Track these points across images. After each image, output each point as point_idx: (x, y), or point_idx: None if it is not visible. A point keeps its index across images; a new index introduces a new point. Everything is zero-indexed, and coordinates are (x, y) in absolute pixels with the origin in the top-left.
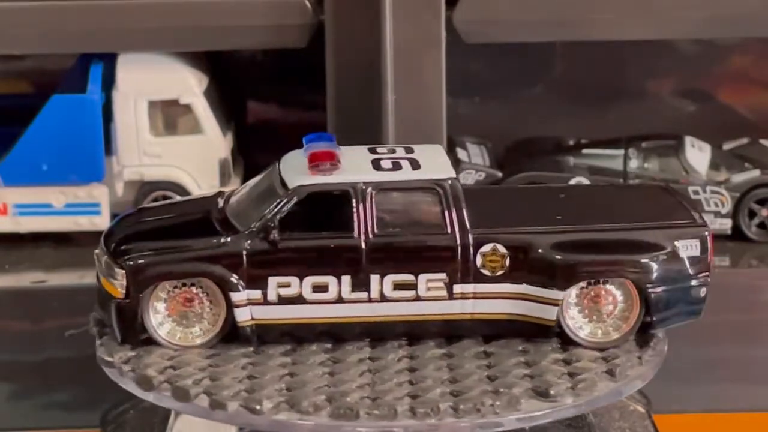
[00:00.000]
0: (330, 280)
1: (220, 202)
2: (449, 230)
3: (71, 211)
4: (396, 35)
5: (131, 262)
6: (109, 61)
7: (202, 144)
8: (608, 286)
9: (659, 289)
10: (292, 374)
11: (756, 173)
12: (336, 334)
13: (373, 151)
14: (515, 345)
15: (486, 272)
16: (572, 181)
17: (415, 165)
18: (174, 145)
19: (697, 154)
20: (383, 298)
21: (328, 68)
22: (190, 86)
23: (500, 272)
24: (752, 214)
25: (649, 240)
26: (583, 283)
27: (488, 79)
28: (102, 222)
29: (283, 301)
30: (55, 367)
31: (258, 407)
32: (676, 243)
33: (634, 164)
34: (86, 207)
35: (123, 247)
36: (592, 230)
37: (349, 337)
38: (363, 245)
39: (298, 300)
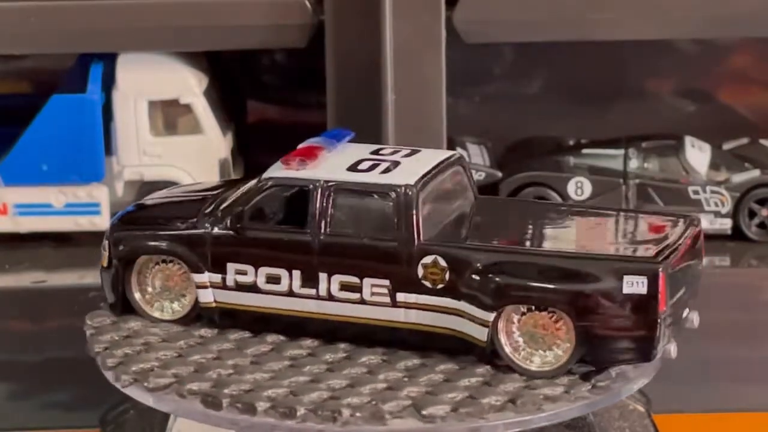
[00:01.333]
0: (282, 272)
1: (223, 189)
2: (396, 237)
3: (71, 211)
4: (396, 35)
5: (114, 235)
6: (109, 61)
7: (202, 144)
8: (545, 314)
9: (594, 325)
10: (218, 359)
11: (756, 173)
12: (291, 327)
13: (375, 152)
14: (449, 361)
15: (427, 284)
16: (571, 184)
17: (390, 169)
18: (174, 145)
19: (697, 154)
20: (330, 297)
21: (328, 68)
22: (190, 86)
23: (440, 285)
24: (752, 214)
25: (589, 271)
26: (523, 308)
27: (488, 79)
28: (102, 222)
29: (240, 287)
30: (55, 367)
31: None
32: (623, 277)
33: (634, 164)
34: (86, 207)
35: (117, 223)
36: (532, 254)
37: (303, 333)
38: (314, 242)
39: (254, 288)
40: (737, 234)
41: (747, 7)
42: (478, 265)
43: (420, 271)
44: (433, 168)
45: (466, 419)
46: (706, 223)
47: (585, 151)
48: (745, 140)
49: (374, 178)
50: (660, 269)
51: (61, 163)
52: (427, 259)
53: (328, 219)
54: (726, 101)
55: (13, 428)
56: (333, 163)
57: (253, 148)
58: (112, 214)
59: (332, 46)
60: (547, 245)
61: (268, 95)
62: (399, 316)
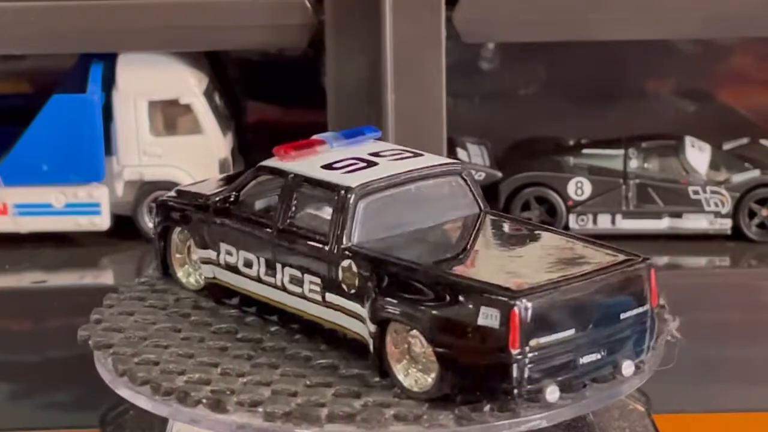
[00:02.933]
0: (253, 258)
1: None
2: (328, 238)
3: (71, 211)
4: (396, 35)
5: (157, 206)
6: (109, 61)
7: (202, 144)
8: (413, 334)
9: (453, 353)
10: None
11: (756, 173)
12: (267, 312)
13: (373, 153)
14: (357, 367)
15: (344, 287)
16: (571, 184)
17: (359, 169)
18: (174, 145)
19: (697, 154)
20: (284, 288)
21: (328, 68)
22: (190, 86)
23: (353, 291)
24: (752, 214)
25: (455, 296)
26: (396, 325)
27: (488, 79)
28: (102, 222)
29: (228, 267)
30: (55, 367)
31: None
32: (480, 308)
33: (634, 164)
34: (86, 207)
35: (165, 197)
36: (419, 272)
37: (276, 319)
38: (273, 233)
39: (236, 270)
40: (737, 234)
41: (747, 7)
42: (381, 276)
43: (340, 274)
44: (401, 174)
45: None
46: (706, 223)
47: (585, 151)
48: (745, 140)
49: (331, 176)
50: (515, 305)
51: (61, 163)
52: (345, 263)
53: (287, 211)
54: (726, 101)
55: (13, 428)
56: (321, 158)
57: (253, 148)
58: (112, 214)
59: (332, 46)
60: (446, 266)
61: (267, 95)
62: (328, 315)
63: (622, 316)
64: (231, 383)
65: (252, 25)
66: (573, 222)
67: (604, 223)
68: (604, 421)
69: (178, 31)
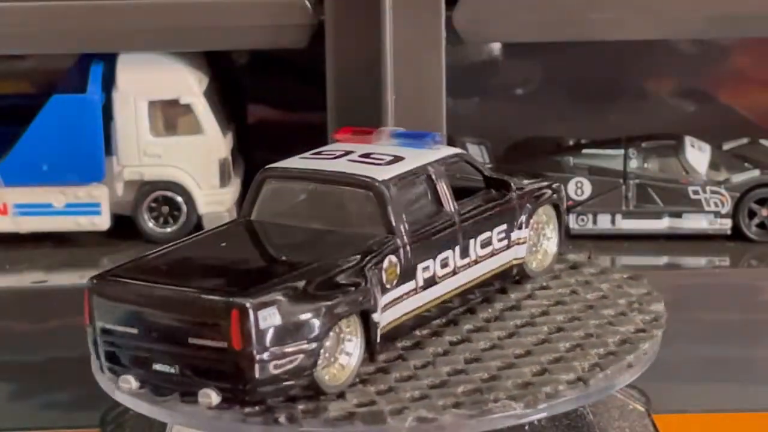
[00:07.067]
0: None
1: None
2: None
3: (71, 211)
4: (396, 35)
5: None
6: (109, 61)
7: (202, 144)
8: None
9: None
10: None
11: (756, 173)
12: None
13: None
14: None
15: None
16: (571, 184)
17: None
18: (174, 145)
19: (697, 154)
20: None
21: (328, 68)
22: (190, 86)
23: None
24: (752, 214)
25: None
26: None
27: (488, 79)
28: (102, 222)
29: None
30: (55, 367)
31: None
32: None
33: (634, 164)
34: (86, 207)
35: None
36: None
37: None
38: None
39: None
40: (737, 234)
41: (747, 7)
42: None
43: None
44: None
45: None
46: (706, 223)
47: (585, 151)
48: (745, 140)
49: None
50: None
51: (61, 163)
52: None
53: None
54: (726, 101)
55: (13, 428)
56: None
57: (253, 148)
58: (112, 214)
59: (332, 46)
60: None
61: (268, 95)
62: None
63: (191, 341)
64: None
65: (252, 25)
66: (573, 222)
67: (604, 223)
68: (604, 421)
69: (178, 31)
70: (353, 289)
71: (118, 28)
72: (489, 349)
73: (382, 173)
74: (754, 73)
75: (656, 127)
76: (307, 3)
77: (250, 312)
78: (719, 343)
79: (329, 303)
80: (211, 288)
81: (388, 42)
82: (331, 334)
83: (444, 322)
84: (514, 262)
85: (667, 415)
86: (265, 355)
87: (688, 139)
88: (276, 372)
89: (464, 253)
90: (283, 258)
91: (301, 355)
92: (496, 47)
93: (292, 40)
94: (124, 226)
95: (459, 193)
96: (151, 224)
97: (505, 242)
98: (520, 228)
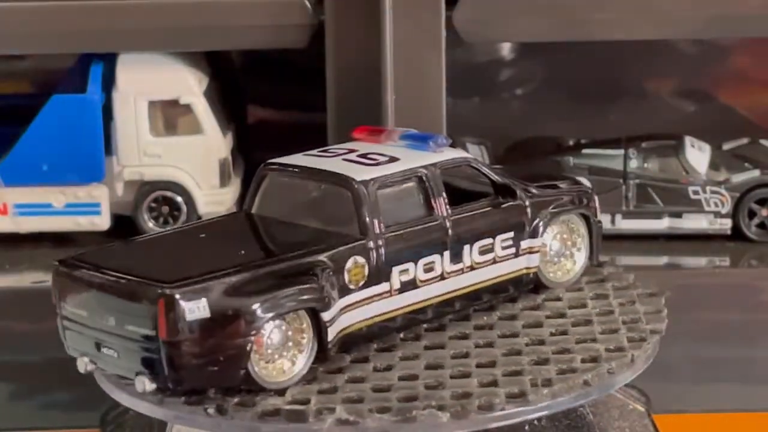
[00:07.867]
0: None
1: None
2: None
3: (71, 211)
4: (396, 35)
5: None
6: (109, 61)
7: (202, 144)
8: None
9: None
10: None
11: (756, 173)
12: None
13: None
14: None
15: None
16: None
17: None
18: (174, 145)
19: (697, 154)
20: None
21: (328, 68)
22: (190, 86)
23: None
24: (752, 214)
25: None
26: None
27: (488, 79)
28: (102, 222)
29: None
30: (55, 367)
31: None
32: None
33: (634, 164)
34: (86, 207)
35: None
36: None
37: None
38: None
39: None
40: (737, 234)
41: (747, 7)
42: None
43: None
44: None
45: None
46: (706, 223)
47: (585, 151)
48: (745, 140)
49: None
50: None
51: (61, 163)
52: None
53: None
54: (726, 101)
55: (13, 428)
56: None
57: (253, 148)
58: (112, 214)
59: (332, 46)
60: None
61: (268, 95)
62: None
63: (127, 327)
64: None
65: (252, 25)
66: None
67: (604, 223)
68: (604, 421)
69: (178, 31)
70: (300, 286)
71: (118, 28)
72: (457, 357)
73: (366, 173)
74: (754, 73)
75: (656, 127)
76: (307, 3)
77: (178, 303)
78: (719, 343)
79: (265, 298)
80: (147, 277)
81: (388, 42)
82: (275, 330)
83: (432, 327)
84: (526, 271)
85: (667, 415)
86: (191, 346)
87: (688, 139)
88: (201, 363)
89: (456, 258)
90: (242, 252)
91: (232, 350)
92: (496, 47)
93: (292, 40)
94: (124, 226)
95: (465, 198)
96: (151, 224)
97: (513, 250)
98: (533, 236)
